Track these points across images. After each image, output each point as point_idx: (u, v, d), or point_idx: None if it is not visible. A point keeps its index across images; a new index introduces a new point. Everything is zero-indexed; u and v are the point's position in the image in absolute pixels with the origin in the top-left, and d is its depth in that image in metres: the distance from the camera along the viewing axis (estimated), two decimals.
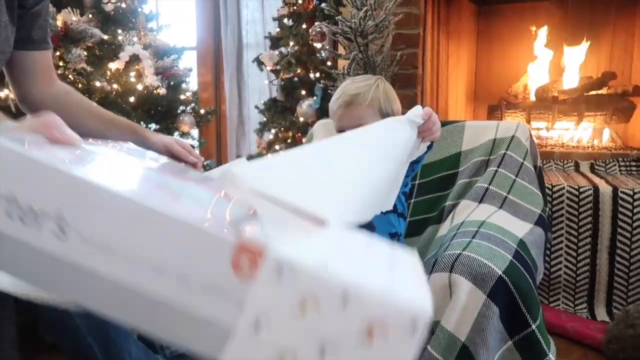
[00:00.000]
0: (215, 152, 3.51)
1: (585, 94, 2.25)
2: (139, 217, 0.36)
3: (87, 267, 0.36)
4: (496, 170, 1.24)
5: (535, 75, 2.44)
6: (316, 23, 2.30)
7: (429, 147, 0.96)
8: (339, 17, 1.97)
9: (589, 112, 2.21)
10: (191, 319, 0.37)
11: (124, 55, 2.01)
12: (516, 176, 1.23)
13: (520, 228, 1.11)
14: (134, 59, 2.09)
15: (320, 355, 0.37)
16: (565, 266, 1.58)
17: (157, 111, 2.35)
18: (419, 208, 1.32)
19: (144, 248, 0.36)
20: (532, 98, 2.40)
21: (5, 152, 0.36)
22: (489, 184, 1.21)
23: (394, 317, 0.36)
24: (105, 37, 2.05)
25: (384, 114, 1.08)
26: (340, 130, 1.12)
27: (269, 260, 0.36)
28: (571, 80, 2.34)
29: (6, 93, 2.16)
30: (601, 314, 1.52)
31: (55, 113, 0.95)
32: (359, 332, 0.36)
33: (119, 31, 2.12)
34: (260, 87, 3.16)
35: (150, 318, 0.38)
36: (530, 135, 1.34)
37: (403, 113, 1.07)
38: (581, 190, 1.56)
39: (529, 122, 2.36)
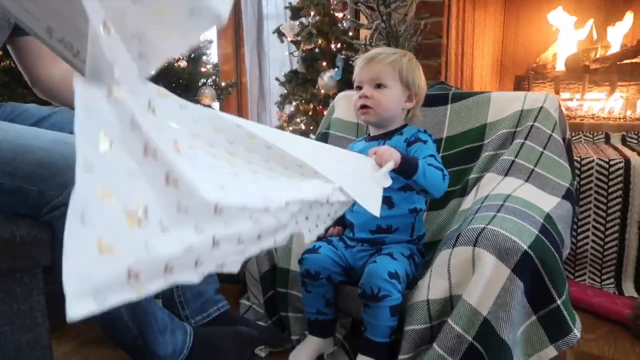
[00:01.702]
0: None
1: (618, 62, 2.16)
2: None
3: None
4: (523, 143, 1.20)
5: (565, 43, 2.35)
6: None
7: (407, 173, 0.97)
8: None
9: (622, 81, 2.12)
10: None
11: None
12: (544, 149, 1.19)
13: (547, 202, 1.08)
14: None
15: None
16: (593, 240, 1.54)
17: (178, 84, 2.35)
18: None
19: None
20: (562, 68, 2.32)
21: None
22: (515, 157, 1.18)
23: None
24: None
25: (404, 80, 1.08)
26: (359, 86, 1.10)
27: None
28: (604, 48, 2.25)
29: None
30: (629, 289, 1.48)
31: (62, 91, 0.94)
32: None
33: None
34: (281, 58, 3.12)
35: None
36: (560, 106, 1.29)
37: (428, 87, 1.06)
38: (611, 163, 1.50)
39: (557, 92, 2.28)
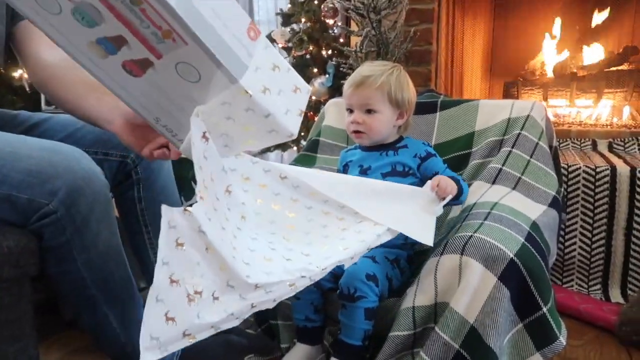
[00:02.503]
0: None
1: (605, 69, 2.19)
2: None
3: None
4: (510, 151, 1.21)
5: (553, 50, 2.38)
6: None
7: (458, 198, 1.04)
8: None
9: (608, 88, 2.15)
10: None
11: None
12: (531, 157, 1.21)
13: (534, 210, 1.09)
14: None
15: None
16: (580, 247, 1.56)
17: None
18: None
19: (208, 8, 0.58)
20: (550, 74, 2.34)
21: None
22: (503, 165, 1.19)
23: None
24: None
25: (393, 101, 1.09)
26: (349, 108, 1.12)
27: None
28: (591, 56, 2.28)
29: (20, 73, 2.17)
30: (615, 295, 1.50)
31: (58, 78, 0.94)
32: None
33: None
34: None
35: (205, 31, 0.57)
36: (546, 114, 1.31)
37: (418, 94, 1.10)
38: (598, 170, 1.53)
39: (546, 99, 2.31)
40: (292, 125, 0.71)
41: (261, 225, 0.84)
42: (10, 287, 0.77)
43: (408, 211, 0.97)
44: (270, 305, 0.74)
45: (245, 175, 0.86)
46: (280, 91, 0.68)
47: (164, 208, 0.61)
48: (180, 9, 0.53)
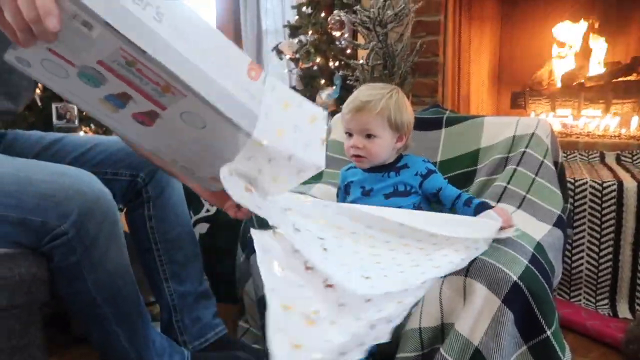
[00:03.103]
0: None
1: (613, 80, 2.18)
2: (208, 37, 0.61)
3: (170, 44, 0.55)
4: (515, 169, 1.22)
5: (561, 61, 2.37)
6: (335, 11, 2.27)
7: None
8: (357, 6, 1.94)
9: (616, 99, 2.14)
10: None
11: None
12: (536, 175, 1.21)
13: (539, 230, 1.10)
14: None
15: None
16: (587, 262, 1.56)
17: None
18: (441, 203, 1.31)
19: (202, 58, 0.59)
20: (558, 85, 2.34)
21: None
22: (508, 183, 1.20)
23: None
24: None
25: (393, 125, 1.09)
26: (348, 132, 1.12)
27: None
28: (599, 66, 2.27)
29: None
30: (623, 310, 1.50)
31: None
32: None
33: None
34: (280, 75, 3.16)
35: (201, 83, 0.58)
36: (552, 130, 1.31)
37: (415, 119, 1.11)
38: (604, 185, 1.52)
39: (553, 109, 2.30)
40: (317, 157, 0.70)
41: (347, 255, 0.82)
42: (20, 313, 0.80)
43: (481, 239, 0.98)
44: (388, 330, 0.69)
45: (319, 218, 0.86)
46: (296, 127, 0.67)
47: (255, 233, 0.62)
48: (173, 66, 0.55)
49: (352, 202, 1.15)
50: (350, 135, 1.12)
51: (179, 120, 0.64)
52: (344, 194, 1.21)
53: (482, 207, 1.06)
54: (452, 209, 1.11)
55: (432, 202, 1.16)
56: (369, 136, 1.10)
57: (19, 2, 0.53)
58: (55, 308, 1.06)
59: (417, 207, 1.12)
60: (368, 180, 1.15)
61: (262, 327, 1.26)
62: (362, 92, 1.11)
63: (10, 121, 1.19)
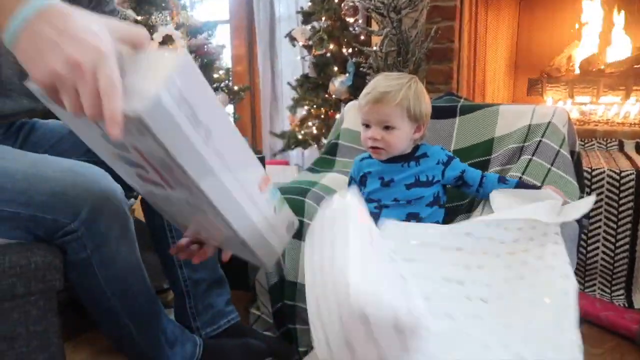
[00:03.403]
0: (250, 128, 3.54)
1: (634, 66, 2.12)
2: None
3: (209, 163, 0.56)
4: (530, 159, 1.20)
5: (580, 46, 2.32)
6: None
7: None
8: None
9: (637, 86, 2.09)
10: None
11: (157, 37, 2.03)
12: (551, 165, 1.19)
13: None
14: (167, 39, 2.11)
15: None
16: (603, 252, 1.54)
17: None
18: (450, 195, 1.30)
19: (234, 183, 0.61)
20: (577, 71, 2.29)
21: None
22: (523, 173, 1.18)
23: None
24: (139, 17, 2.07)
25: (412, 115, 1.07)
26: (365, 123, 1.11)
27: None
28: (620, 51, 2.21)
29: None
30: (638, 301, 1.48)
31: None
32: None
33: (153, 11, 2.14)
34: (293, 62, 3.14)
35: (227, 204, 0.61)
36: (569, 119, 1.28)
37: (438, 98, 1.08)
38: (622, 174, 1.49)
39: (571, 96, 2.26)
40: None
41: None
42: (37, 300, 0.81)
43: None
44: None
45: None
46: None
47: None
48: (211, 194, 0.58)
49: (370, 193, 1.14)
50: (367, 126, 1.10)
51: (184, 202, 0.64)
52: (359, 184, 1.20)
53: (524, 185, 1.07)
54: (480, 189, 1.11)
55: (453, 187, 1.15)
56: (387, 127, 1.07)
57: (83, 99, 0.51)
58: (71, 294, 1.07)
59: (436, 197, 1.11)
60: (387, 171, 1.13)
61: (274, 316, 1.27)
62: (380, 83, 1.08)
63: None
